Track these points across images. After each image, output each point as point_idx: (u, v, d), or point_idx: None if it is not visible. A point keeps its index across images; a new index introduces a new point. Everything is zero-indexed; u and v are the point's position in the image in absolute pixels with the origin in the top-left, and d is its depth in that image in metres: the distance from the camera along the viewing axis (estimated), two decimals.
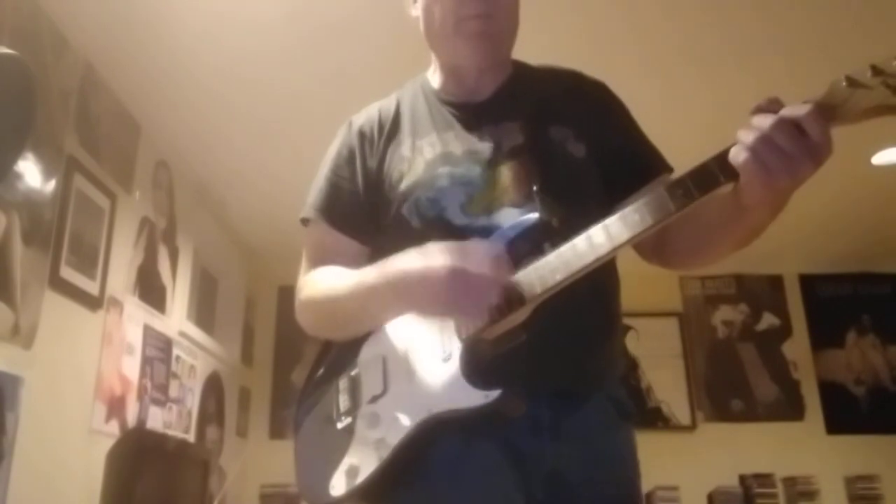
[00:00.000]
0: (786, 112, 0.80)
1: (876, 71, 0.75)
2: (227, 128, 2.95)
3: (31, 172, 2.09)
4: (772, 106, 0.82)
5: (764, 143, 0.80)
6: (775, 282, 4.70)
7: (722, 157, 0.84)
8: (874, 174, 3.43)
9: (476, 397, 0.92)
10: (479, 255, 0.91)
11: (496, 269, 0.90)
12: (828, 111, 0.79)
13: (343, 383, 1.08)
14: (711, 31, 2.43)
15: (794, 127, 0.79)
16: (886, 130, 3.04)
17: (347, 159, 1.19)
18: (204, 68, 2.55)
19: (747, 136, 0.81)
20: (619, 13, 2.34)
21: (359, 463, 0.99)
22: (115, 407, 2.54)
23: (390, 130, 1.18)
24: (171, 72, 2.56)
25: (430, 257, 0.93)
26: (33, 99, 2.02)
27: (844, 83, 0.77)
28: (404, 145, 1.15)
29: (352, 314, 1.06)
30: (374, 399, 1.02)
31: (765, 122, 0.81)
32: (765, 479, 4.11)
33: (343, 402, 1.06)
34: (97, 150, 2.49)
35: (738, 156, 0.82)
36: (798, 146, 0.79)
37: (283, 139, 3.01)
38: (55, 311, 2.18)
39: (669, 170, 1.14)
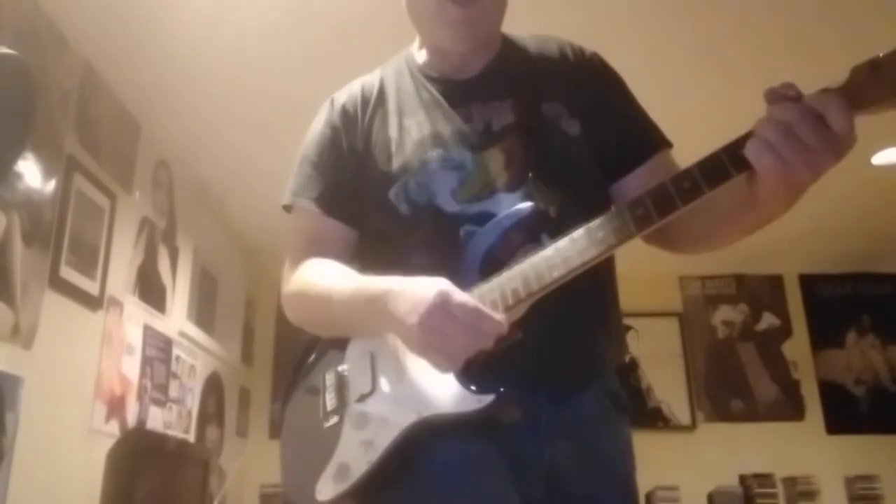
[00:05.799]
0: (809, 102, 0.74)
1: None
2: (227, 128, 2.95)
3: (31, 172, 2.09)
4: (788, 92, 0.76)
5: (786, 137, 0.74)
6: (775, 282, 4.71)
7: (733, 149, 0.78)
8: (874, 174, 3.42)
9: (469, 402, 0.86)
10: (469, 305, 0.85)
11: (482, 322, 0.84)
12: (851, 99, 0.73)
13: (330, 379, 1.02)
14: (719, 28, 2.43)
15: (817, 119, 0.73)
16: (886, 130, 3.03)
17: (332, 140, 1.13)
18: (204, 68, 2.55)
19: (767, 130, 0.75)
20: (626, 10, 2.33)
21: (347, 465, 0.94)
22: (115, 407, 2.54)
23: (375, 109, 1.12)
24: (171, 72, 2.56)
25: (424, 287, 0.87)
26: (33, 99, 2.01)
27: (868, 68, 0.72)
28: (391, 125, 1.09)
29: (342, 322, 1.01)
30: (363, 398, 0.97)
31: (786, 114, 0.74)
32: (765, 479, 4.12)
33: (329, 400, 1.00)
34: (97, 150, 2.49)
35: (755, 150, 0.76)
36: (821, 139, 0.73)
37: (284, 139, 2.98)
38: (55, 311, 2.18)
39: (668, 145, 1.10)
